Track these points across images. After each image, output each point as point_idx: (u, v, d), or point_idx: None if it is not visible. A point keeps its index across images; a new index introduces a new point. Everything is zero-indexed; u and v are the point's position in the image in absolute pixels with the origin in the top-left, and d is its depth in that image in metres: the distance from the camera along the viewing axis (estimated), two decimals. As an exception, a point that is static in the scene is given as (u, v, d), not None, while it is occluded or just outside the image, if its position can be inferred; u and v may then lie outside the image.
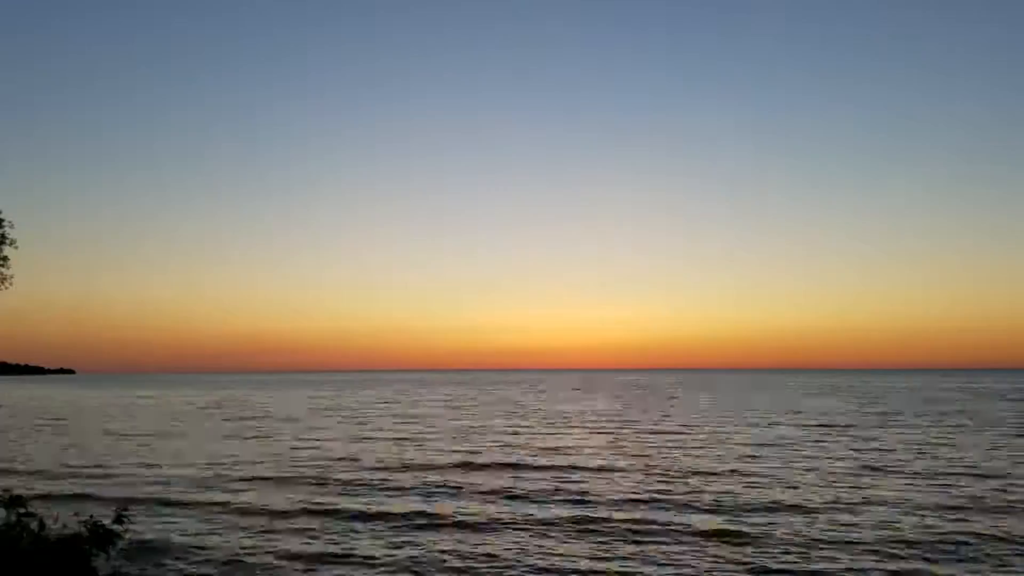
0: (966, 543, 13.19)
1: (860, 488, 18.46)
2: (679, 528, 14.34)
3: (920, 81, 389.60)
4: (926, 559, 12.26)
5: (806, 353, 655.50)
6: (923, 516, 15.26)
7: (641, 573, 11.63)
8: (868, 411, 48.74)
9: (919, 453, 25.44)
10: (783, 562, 12.07)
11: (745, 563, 12.06)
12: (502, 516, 15.68)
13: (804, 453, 25.53)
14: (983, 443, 28.53)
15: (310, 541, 13.82)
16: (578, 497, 17.63)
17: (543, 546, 13.24)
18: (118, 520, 9.83)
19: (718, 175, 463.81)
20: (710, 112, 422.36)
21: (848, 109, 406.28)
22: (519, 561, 12.32)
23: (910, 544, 13.07)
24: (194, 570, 12.00)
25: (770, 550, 12.77)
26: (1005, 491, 18.00)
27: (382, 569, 12.08)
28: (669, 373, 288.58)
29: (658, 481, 19.73)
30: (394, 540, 13.82)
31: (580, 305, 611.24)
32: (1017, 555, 12.48)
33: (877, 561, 12.04)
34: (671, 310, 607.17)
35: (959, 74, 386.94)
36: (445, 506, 16.75)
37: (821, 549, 12.74)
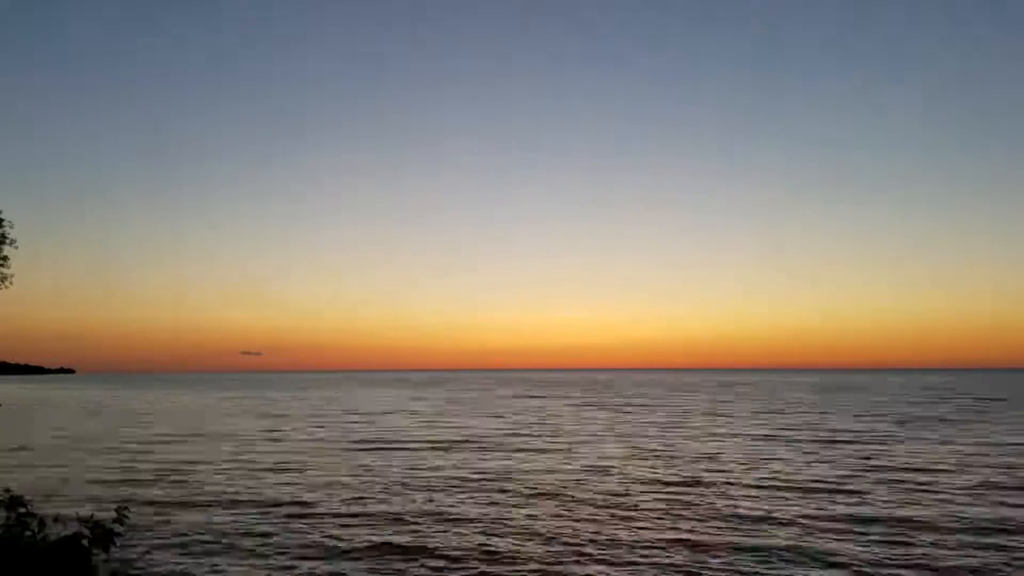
0: None
1: None
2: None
3: (921, 79, 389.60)
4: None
5: (804, 353, 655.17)
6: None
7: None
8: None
9: None
10: None
11: None
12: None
13: None
14: None
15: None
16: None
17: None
18: (118, 519, 9.79)
19: (717, 173, 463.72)
20: (713, 107, 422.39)
21: (849, 106, 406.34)
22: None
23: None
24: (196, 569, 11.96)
25: None
26: None
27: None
28: (657, 373, 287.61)
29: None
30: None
31: (577, 305, 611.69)
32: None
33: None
34: (669, 310, 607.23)
35: (961, 72, 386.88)
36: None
37: None
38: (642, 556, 12.32)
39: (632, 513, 15.62)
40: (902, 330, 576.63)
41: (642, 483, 19.31)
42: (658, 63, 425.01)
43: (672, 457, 24.53)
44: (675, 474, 20.83)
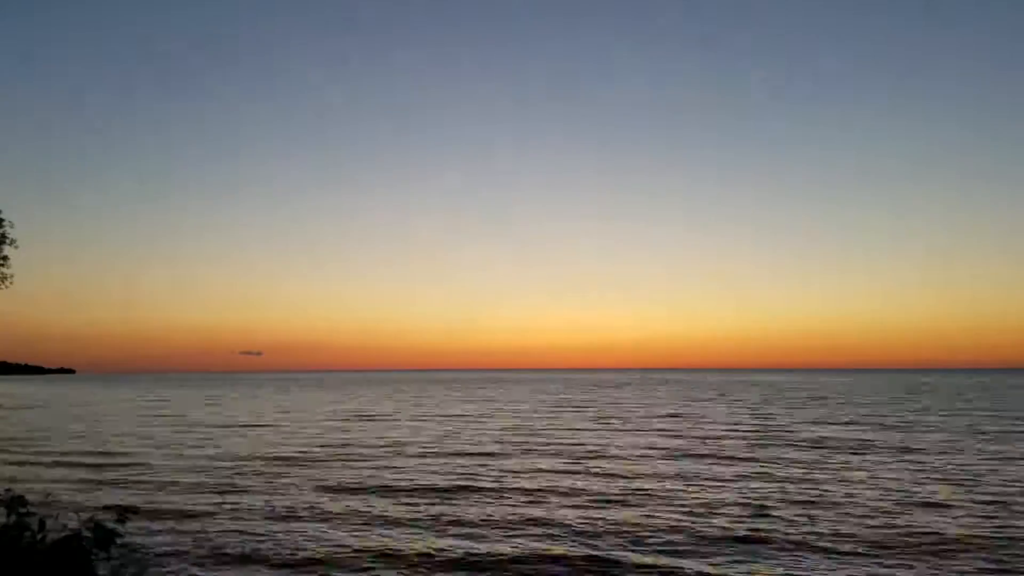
0: None
1: None
2: None
3: (918, 79, 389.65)
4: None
5: (797, 353, 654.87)
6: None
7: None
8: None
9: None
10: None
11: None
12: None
13: None
14: None
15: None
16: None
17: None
18: (120, 519, 9.69)
19: (716, 173, 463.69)
20: (715, 106, 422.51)
21: (846, 106, 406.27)
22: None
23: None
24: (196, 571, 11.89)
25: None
26: None
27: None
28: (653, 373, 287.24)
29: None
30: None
31: (575, 305, 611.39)
32: None
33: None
34: (664, 310, 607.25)
35: (958, 72, 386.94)
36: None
37: None
38: None
39: None
40: (900, 330, 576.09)
41: None
42: (657, 62, 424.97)
43: None
44: None
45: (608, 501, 17.08)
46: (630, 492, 18.16)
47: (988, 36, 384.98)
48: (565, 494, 18.02)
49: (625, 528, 14.34)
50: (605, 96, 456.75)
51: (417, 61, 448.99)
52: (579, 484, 19.40)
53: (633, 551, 12.67)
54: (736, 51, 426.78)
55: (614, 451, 26.72)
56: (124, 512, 9.84)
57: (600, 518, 15.24)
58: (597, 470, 21.94)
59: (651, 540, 13.39)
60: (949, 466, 22.21)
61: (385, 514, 15.92)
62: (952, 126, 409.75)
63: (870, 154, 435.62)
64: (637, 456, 25.17)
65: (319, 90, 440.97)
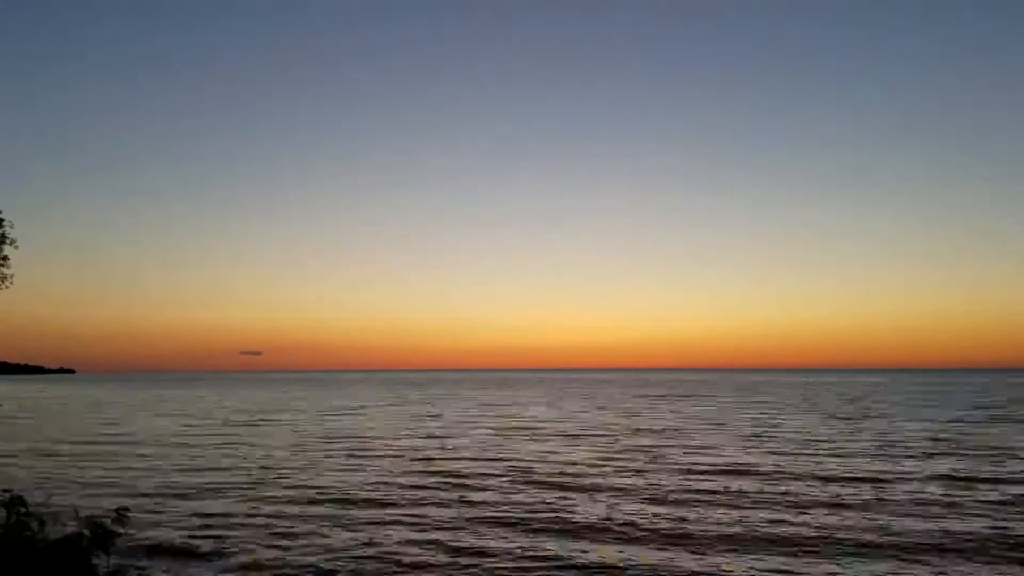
0: None
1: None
2: None
3: (916, 78, 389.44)
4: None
5: (791, 353, 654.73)
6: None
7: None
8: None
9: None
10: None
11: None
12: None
13: None
14: None
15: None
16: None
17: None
18: (118, 520, 9.73)
19: (716, 173, 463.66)
20: (707, 109, 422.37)
21: (844, 105, 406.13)
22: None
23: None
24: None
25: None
26: None
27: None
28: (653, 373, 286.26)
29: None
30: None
31: (576, 306, 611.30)
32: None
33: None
34: (665, 310, 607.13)
35: (956, 72, 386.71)
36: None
37: None
38: None
39: None
40: (889, 330, 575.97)
41: None
42: (656, 62, 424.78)
43: None
44: None
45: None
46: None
47: (988, 37, 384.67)
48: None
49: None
50: (605, 97, 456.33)
51: (420, 61, 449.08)
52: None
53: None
54: (736, 52, 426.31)
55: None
56: (122, 513, 9.89)
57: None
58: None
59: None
60: None
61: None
62: (952, 126, 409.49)
63: (869, 155, 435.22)
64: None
65: (320, 91, 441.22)
